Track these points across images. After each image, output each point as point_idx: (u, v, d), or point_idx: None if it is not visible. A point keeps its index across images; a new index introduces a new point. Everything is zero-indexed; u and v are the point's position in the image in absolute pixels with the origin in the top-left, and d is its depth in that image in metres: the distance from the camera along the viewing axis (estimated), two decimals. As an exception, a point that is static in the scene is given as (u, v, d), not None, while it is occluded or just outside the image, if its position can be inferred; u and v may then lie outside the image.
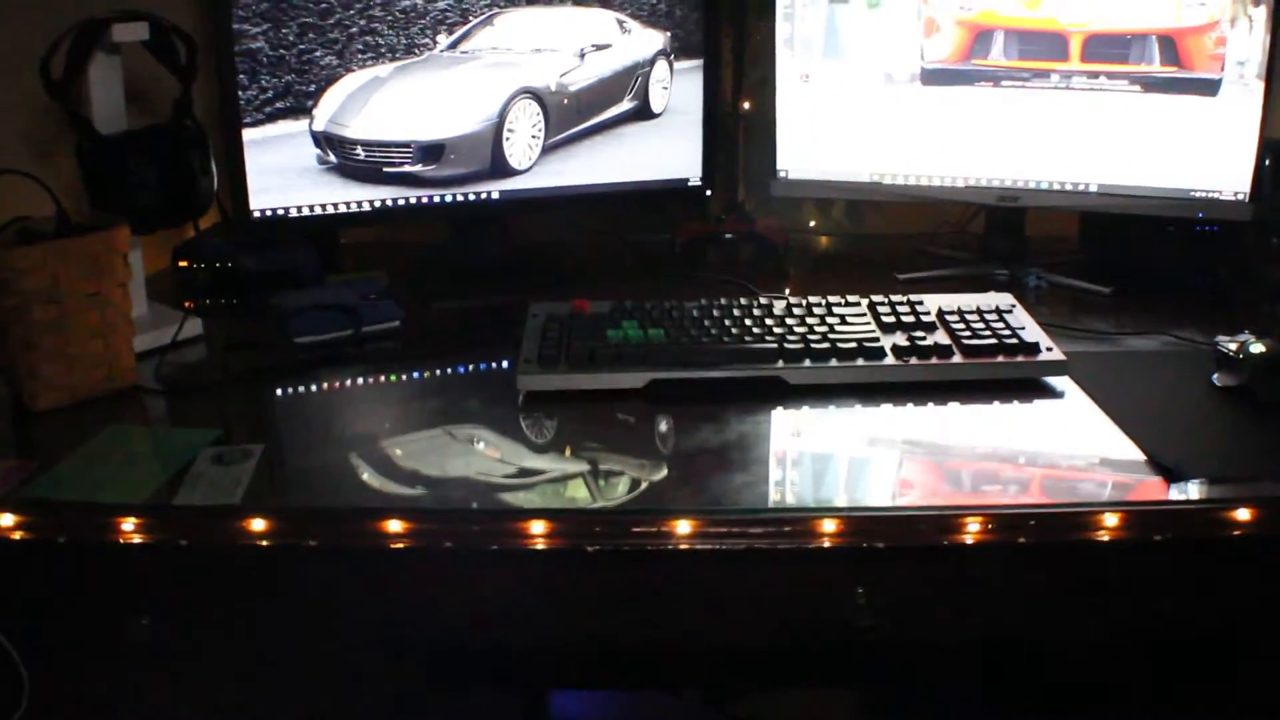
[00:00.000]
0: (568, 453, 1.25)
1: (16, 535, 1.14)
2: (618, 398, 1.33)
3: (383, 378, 1.45)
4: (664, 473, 1.20)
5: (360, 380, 1.45)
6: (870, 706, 2.01)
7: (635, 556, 1.12)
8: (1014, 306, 1.50)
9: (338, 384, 1.43)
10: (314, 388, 1.43)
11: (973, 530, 1.12)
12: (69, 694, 1.21)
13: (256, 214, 1.61)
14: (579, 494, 1.16)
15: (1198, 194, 1.68)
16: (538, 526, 1.11)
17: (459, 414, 1.33)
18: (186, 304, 1.64)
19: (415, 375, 1.46)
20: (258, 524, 1.12)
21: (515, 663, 1.53)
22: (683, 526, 1.11)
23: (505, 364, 1.43)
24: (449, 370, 1.48)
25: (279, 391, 1.43)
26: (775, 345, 1.37)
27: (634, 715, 2.11)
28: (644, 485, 1.18)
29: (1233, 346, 1.38)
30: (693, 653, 1.44)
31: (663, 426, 1.29)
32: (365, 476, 1.19)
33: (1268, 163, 1.65)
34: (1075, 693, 1.44)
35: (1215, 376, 1.38)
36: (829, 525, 1.11)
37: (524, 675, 1.64)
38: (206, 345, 1.54)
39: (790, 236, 1.85)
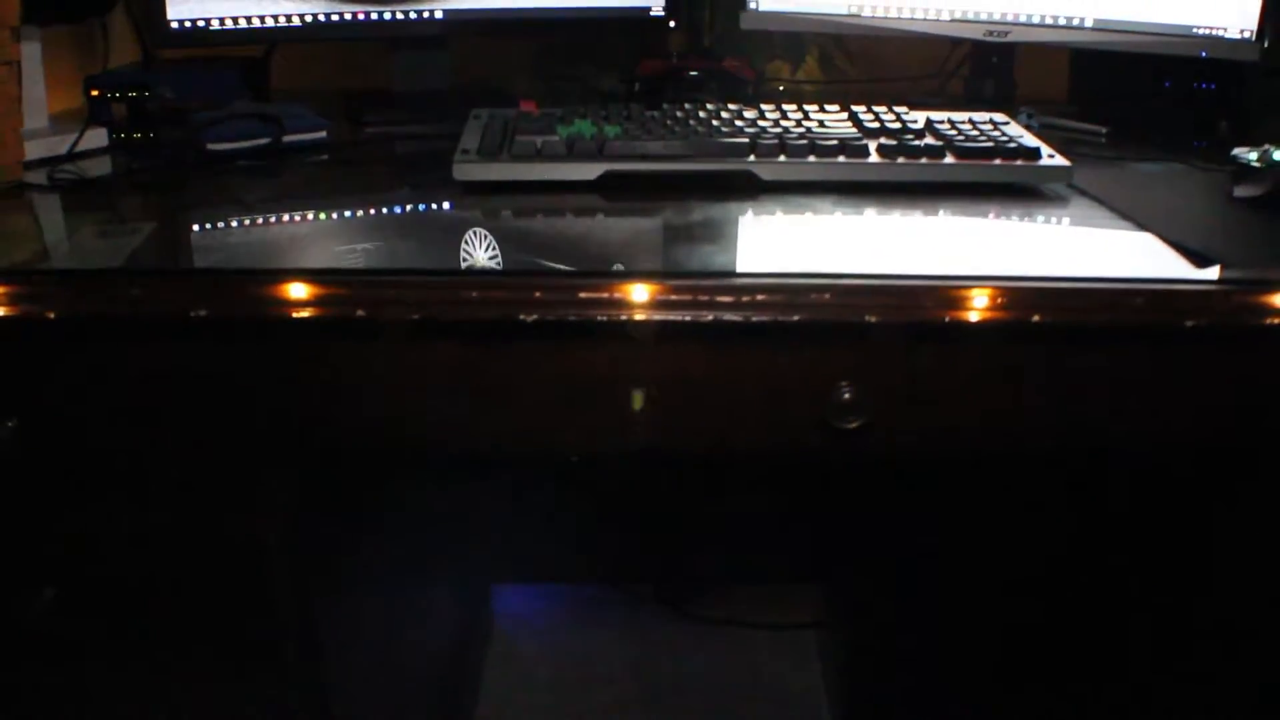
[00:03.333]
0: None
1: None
2: (567, 190, 1.12)
3: (302, 184, 1.23)
4: (616, 254, 0.99)
5: (275, 185, 1.22)
6: (834, 603, 1.82)
7: (581, 330, 0.91)
8: (1009, 121, 1.30)
9: (251, 187, 1.21)
10: (225, 192, 1.20)
11: (979, 305, 0.91)
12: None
13: (174, 24, 1.38)
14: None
15: (1199, 31, 1.48)
16: (469, 293, 0.89)
17: (391, 216, 1.11)
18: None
19: (340, 184, 1.24)
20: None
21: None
22: (639, 292, 0.89)
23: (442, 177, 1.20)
24: (377, 181, 1.26)
25: (182, 193, 1.20)
26: (747, 141, 1.16)
27: (580, 613, 1.91)
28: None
29: (1253, 155, 1.18)
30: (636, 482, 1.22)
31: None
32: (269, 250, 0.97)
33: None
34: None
35: (1235, 189, 1.19)
36: (818, 295, 0.90)
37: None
38: (111, 161, 1.31)
39: (758, 73, 1.64)
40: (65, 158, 1.27)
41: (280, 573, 1.00)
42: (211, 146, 1.27)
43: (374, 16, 1.46)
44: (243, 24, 1.42)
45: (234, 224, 1.07)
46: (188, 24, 1.40)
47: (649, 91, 1.56)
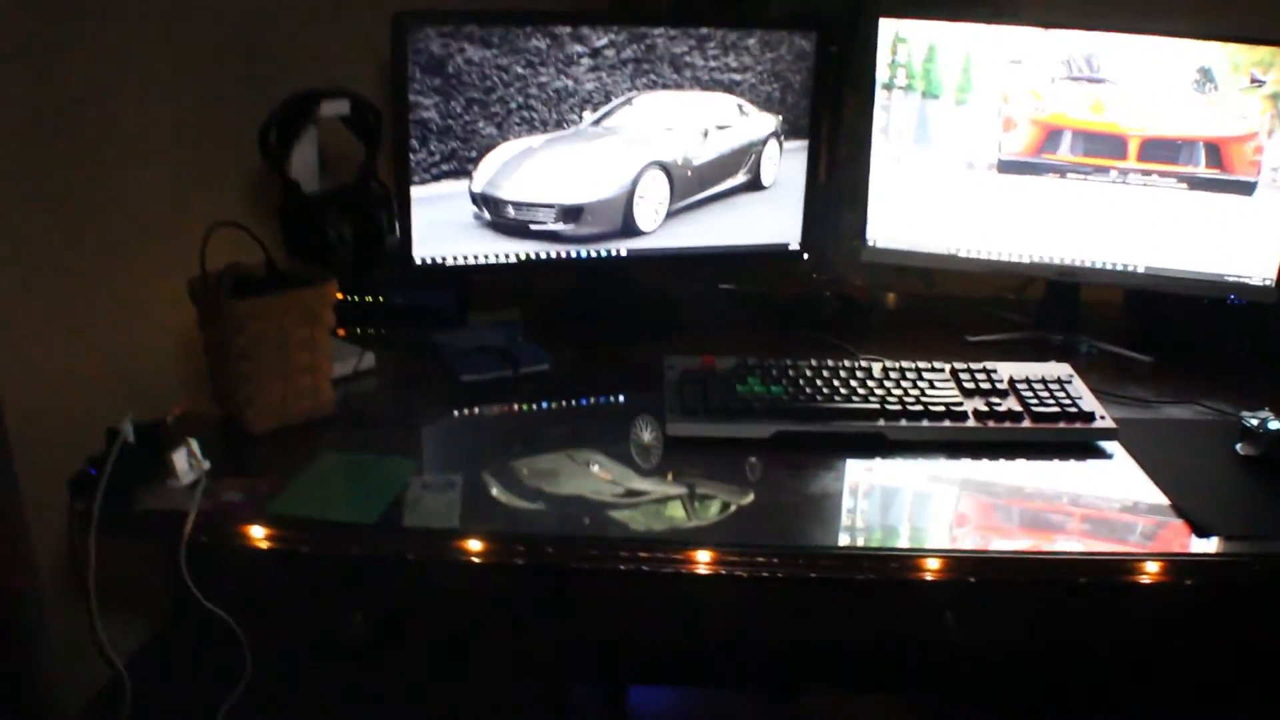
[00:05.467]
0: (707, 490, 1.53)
1: (264, 545, 1.42)
2: (747, 444, 1.62)
3: (540, 410, 1.74)
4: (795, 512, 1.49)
5: (520, 412, 1.73)
6: (916, 710, 2.30)
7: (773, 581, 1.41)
8: (1072, 377, 1.79)
9: (505, 417, 1.71)
10: (486, 420, 1.70)
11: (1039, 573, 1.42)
12: (284, 680, 1.49)
13: (419, 261, 1.89)
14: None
15: (1230, 278, 1.97)
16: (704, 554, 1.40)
17: (617, 452, 1.61)
18: (340, 332, 1.88)
19: (569, 413, 1.75)
20: (474, 544, 1.40)
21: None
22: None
23: (646, 406, 1.71)
24: (599, 411, 1.76)
25: (456, 420, 1.71)
26: (878, 405, 1.66)
27: (704, 710, 2.39)
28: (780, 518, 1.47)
29: (1254, 421, 1.67)
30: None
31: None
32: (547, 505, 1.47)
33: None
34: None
35: (1238, 445, 1.68)
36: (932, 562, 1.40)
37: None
38: (377, 376, 1.81)
39: (873, 295, 2.14)
40: (350, 378, 1.77)
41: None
42: (464, 378, 1.78)
43: (572, 254, 1.96)
44: (470, 260, 1.93)
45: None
46: (429, 260, 1.91)
47: (787, 308, 2.06)
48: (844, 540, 1.45)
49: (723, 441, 1.63)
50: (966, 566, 1.41)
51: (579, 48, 1.87)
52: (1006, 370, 1.79)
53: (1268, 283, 1.97)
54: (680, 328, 2.03)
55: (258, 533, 1.42)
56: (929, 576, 1.41)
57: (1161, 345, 2.01)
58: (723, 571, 1.40)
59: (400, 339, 1.94)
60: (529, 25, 1.85)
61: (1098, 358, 1.99)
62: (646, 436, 1.65)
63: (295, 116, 1.70)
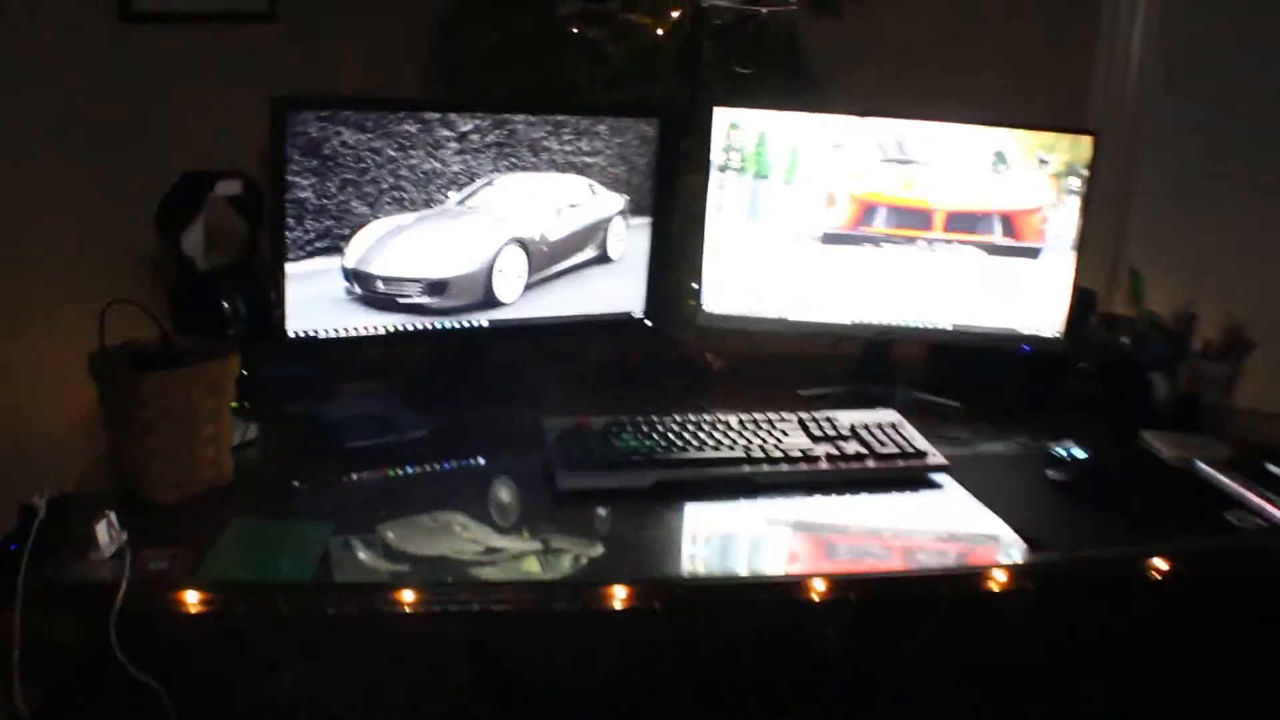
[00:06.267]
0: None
1: (197, 609, 1.50)
2: (628, 494, 1.81)
3: (428, 471, 1.88)
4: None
5: (407, 475, 1.86)
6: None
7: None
8: (902, 422, 2.05)
9: (398, 481, 1.84)
10: (378, 483, 1.83)
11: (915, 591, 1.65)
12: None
13: (291, 335, 2.00)
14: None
15: (1024, 331, 2.29)
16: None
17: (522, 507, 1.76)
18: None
19: (451, 470, 1.90)
20: (407, 595, 1.53)
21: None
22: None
23: (530, 464, 1.88)
24: (481, 467, 1.91)
25: (350, 484, 1.83)
26: (743, 454, 1.88)
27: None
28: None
29: (1062, 452, 1.97)
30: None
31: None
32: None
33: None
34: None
35: (1049, 472, 1.97)
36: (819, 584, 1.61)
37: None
38: (261, 446, 1.91)
39: (708, 357, 2.37)
40: (237, 447, 1.86)
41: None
42: (350, 445, 1.90)
43: (437, 326, 2.12)
44: (341, 333, 2.05)
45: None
46: (302, 334, 2.02)
47: (632, 370, 2.27)
48: (735, 570, 1.65)
49: (606, 492, 1.80)
50: (845, 587, 1.63)
51: (446, 132, 2.04)
52: (845, 418, 2.04)
53: (1056, 334, 2.30)
54: (537, 393, 2.20)
55: (191, 598, 1.50)
56: (815, 597, 1.61)
57: (967, 392, 2.31)
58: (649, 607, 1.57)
59: (271, 410, 2.03)
60: (401, 111, 2.01)
61: (914, 405, 2.26)
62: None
63: (190, 196, 1.81)
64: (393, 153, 2.01)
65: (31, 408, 1.92)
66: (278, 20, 2.38)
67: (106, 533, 1.56)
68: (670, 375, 2.30)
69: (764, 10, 2.23)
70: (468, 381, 2.20)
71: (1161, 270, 2.46)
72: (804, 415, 2.04)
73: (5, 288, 1.86)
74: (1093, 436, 2.05)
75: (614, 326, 2.30)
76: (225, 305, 1.82)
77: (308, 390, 2.09)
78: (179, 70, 2.18)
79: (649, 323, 2.31)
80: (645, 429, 1.94)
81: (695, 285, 2.28)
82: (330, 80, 2.33)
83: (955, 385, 2.33)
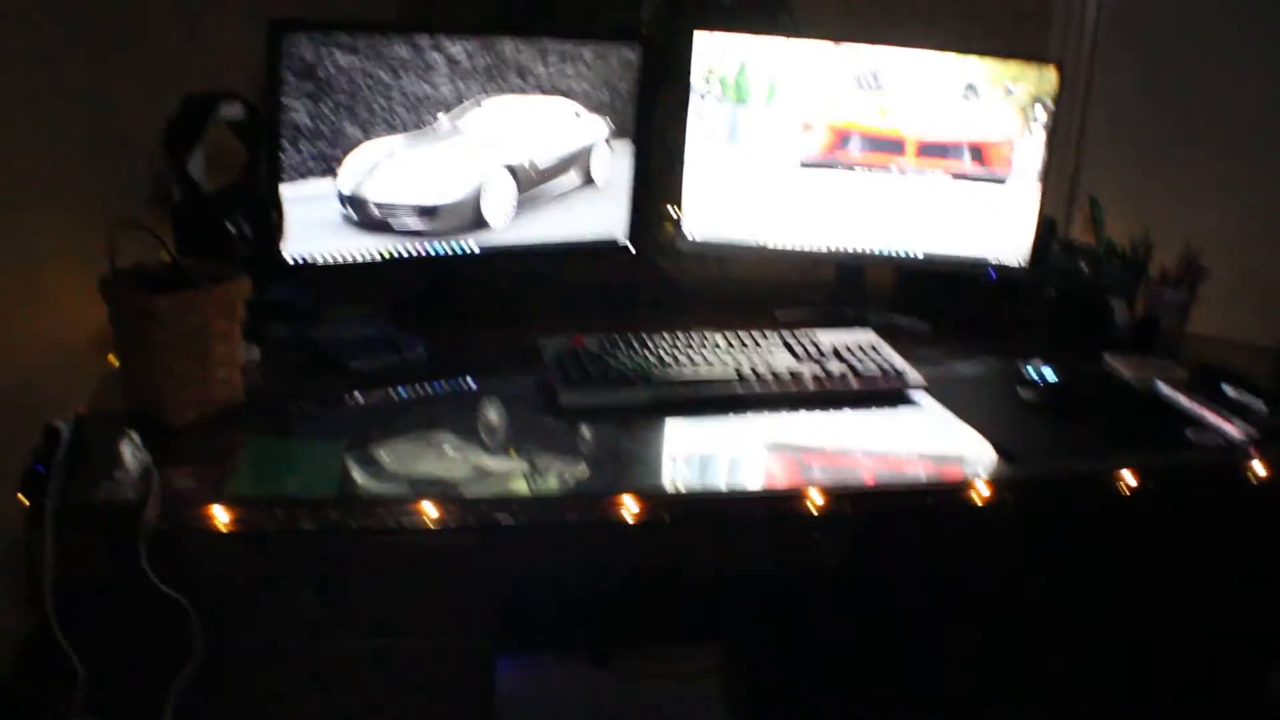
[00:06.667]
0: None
1: (226, 528, 1.56)
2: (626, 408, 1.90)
3: (431, 391, 1.95)
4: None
5: (402, 397, 1.93)
6: (735, 656, 2.62)
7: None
8: (880, 342, 2.15)
9: (396, 401, 1.91)
10: (385, 402, 1.90)
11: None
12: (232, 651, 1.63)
13: (290, 260, 2.05)
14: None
15: (991, 257, 2.40)
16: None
17: (522, 424, 1.84)
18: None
19: (443, 391, 1.97)
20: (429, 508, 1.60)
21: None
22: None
23: (530, 381, 1.96)
24: (481, 386, 1.98)
25: (359, 403, 1.89)
26: (733, 371, 1.97)
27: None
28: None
29: (1032, 373, 2.09)
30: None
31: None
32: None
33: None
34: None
35: (1020, 390, 2.08)
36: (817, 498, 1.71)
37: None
38: (263, 367, 1.95)
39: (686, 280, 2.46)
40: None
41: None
42: (354, 365, 1.96)
43: (429, 250, 2.17)
44: (337, 258, 2.10)
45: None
46: (298, 259, 2.07)
47: (617, 291, 2.35)
48: (725, 484, 1.74)
49: (606, 409, 1.89)
50: (840, 498, 1.73)
51: (436, 55, 2.08)
52: (826, 338, 2.14)
53: (1021, 261, 2.41)
54: (525, 315, 2.27)
55: (221, 515, 1.56)
56: (812, 509, 1.71)
57: (935, 314, 2.42)
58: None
59: (265, 333, 2.07)
60: (393, 34, 2.04)
61: (886, 326, 2.36)
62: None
63: (194, 118, 1.83)
64: (385, 75, 2.05)
65: (40, 333, 1.94)
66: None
67: (130, 453, 1.60)
68: (653, 297, 2.38)
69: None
70: (457, 304, 2.25)
71: (1119, 200, 2.58)
72: (786, 334, 2.13)
73: (9, 217, 1.88)
74: (1057, 358, 2.16)
75: (598, 251, 2.37)
76: (230, 228, 1.85)
77: (300, 313, 2.14)
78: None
79: (632, 248, 2.38)
80: (638, 347, 2.01)
81: (675, 210, 2.35)
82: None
83: (924, 308, 2.43)
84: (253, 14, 1.98)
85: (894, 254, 2.41)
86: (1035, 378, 2.09)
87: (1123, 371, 2.24)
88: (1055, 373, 2.09)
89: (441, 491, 1.62)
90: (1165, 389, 2.14)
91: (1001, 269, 2.43)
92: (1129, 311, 2.46)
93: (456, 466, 1.69)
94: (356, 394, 1.92)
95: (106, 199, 1.98)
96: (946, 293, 2.47)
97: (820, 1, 2.51)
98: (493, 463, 1.71)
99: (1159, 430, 2.02)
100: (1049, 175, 2.38)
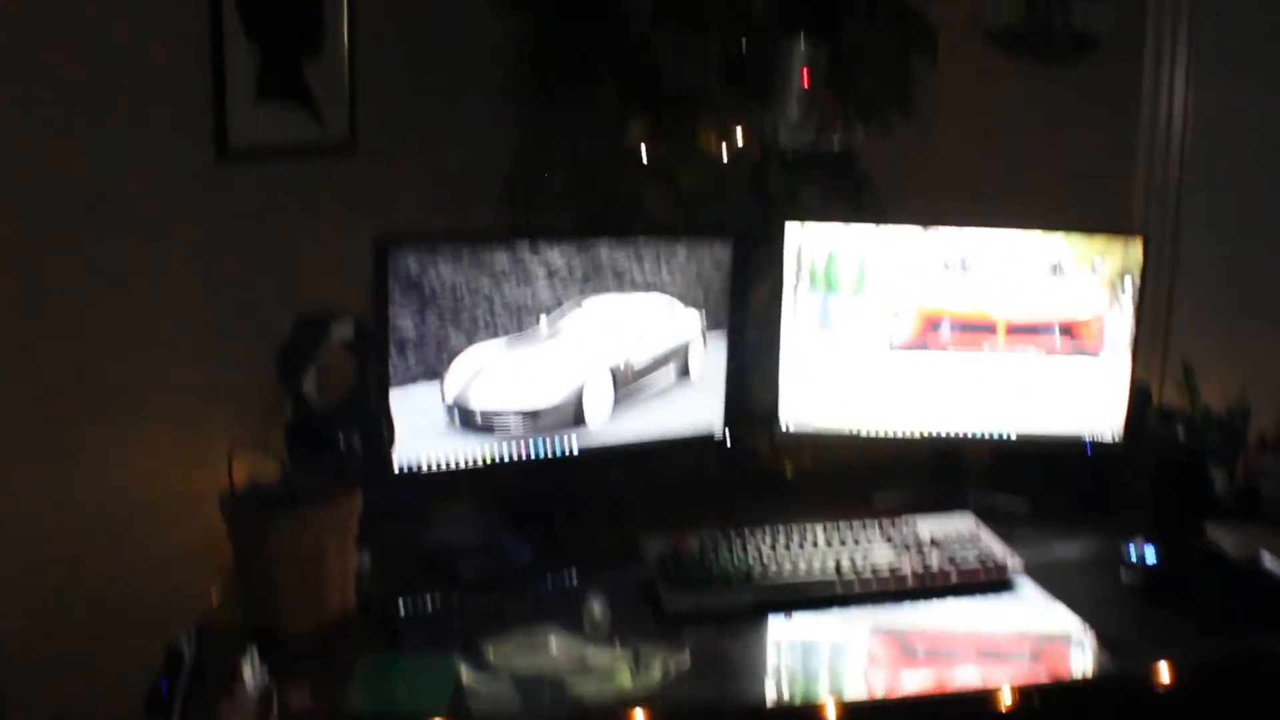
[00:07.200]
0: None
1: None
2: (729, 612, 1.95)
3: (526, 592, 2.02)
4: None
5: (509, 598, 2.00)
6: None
7: None
8: (979, 526, 2.19)
9: (503, 602, 1.97)
10: (491, 605, 1.96)
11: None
12: None
13: (398, 468, 2.14)
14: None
15: (1086, 432, 2.43)
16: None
17: (632, 629, 1.88)
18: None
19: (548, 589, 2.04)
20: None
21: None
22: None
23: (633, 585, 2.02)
24: (585, 584, 2.03)
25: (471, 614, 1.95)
26: (834, 570, 2.02)
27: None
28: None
29: (1133, 551, 2.10)
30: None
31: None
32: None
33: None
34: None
35: (1122, 573, 2.10)
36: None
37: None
38: (375, 575, 2.02)
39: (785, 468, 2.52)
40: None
41: None
42: (464, 576, 2.03)
43: (531, 452, 2.26)
44: (444, 463, 2.19)
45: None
46: (408, 466, 2.16)
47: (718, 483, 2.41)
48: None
49: (709, 613, 1.93)
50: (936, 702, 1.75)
51: (535, 261, 2.19)
52: (925, 527, 2.18)
53: (1115, 433, 2.44)
54: (627, 510, 2.34)
55: (337, 734, 1.63)
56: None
57: (1033, 491, 2.44)
58: None
59: (378, 537, 2.16)
60: (494, 244, 2.15)
61: (984, 507, 2.38)
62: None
63: (306, 340, 1.95)
64: (486, 284, 2.15)
65: (158, 546, 2.04)
66: (359, 150, 2.53)
67: (250, 673, 1.67)
68: (751, 487, 2.44)
69: (835, 148, 2.38)
70: (561, 502, 2.33)
71: (1213, 363, 2.60)
72: (886, 524, 2.18)
73: (129, 431, 2.00)
74: (1158, 533, 2.17)
75: (696, 442, 2.44)
76: (343, 444, 1.95)
77: (408, 515, 2.22)
78: (274, 206, 2.33)
79: (729, 437, 2.44)
80: (739, 546, 2.07)
81: (772, 399, 2.42)
82: (409, 207, 2.50)
83: (1021, 484, 2.46)
84: (360, 229, 2.10)
85: (988, 434, 2.45)
86: (1136, 559, 2.10)
87: (1226, 543, 2.23)
88: (1156, 552, 2.09)
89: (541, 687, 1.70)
90: (1270, 561, 2.14)
91: (1097, 443, 2.45)
92: (1228, 479, 2.46)
93: (562, 663, 1.76)
94: (465, 599, 1.99)
95: (223, 417, 2.10)
96: (1044, 468, 2.49)
97: (906, 185, 2.59)
98: (597, 658, 1.77)
99: (1266, 609, 2.02)
100: (1139, 346, 2.41)
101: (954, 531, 2.18)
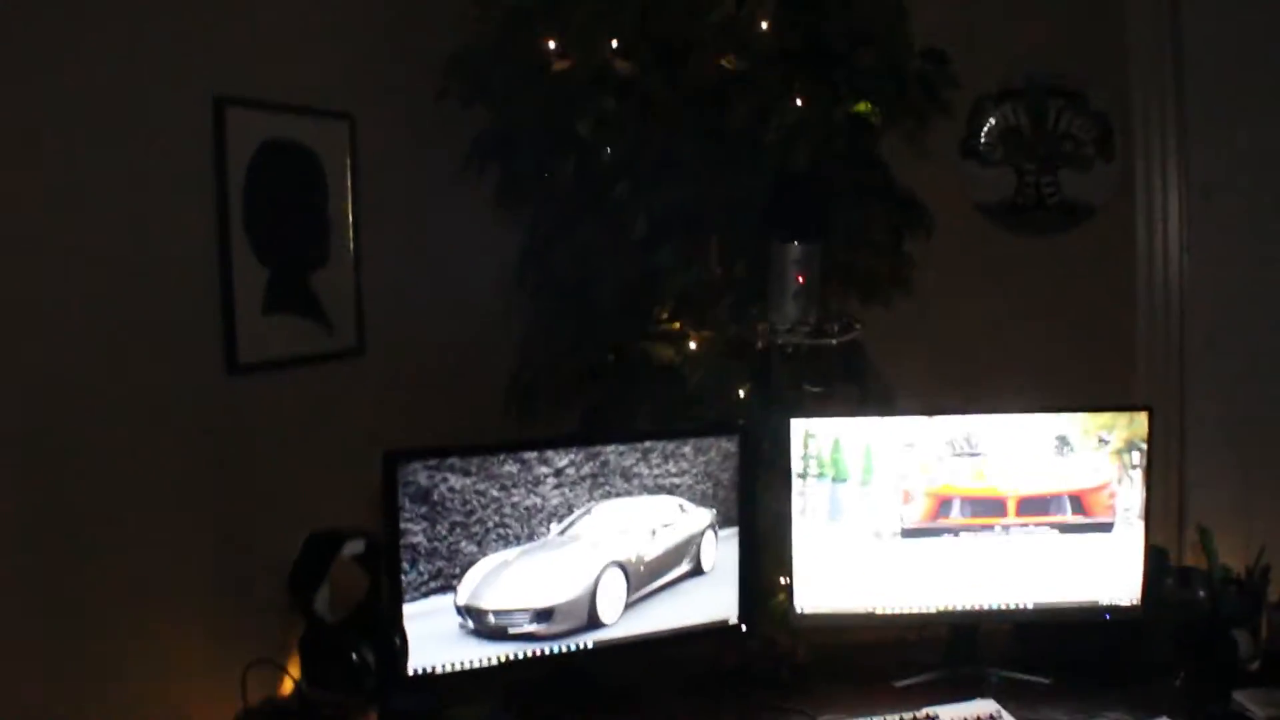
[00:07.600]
0: None
1: None
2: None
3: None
4: None
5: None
6: None
7: None
8: (1001, 713, 2.17)
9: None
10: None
11: None
12: None
13: (412, 673, 2.14)
14: None
15: (1104, 601, 2.42)
16: None
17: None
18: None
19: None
20: None
21: None
22: None
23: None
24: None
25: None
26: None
27: None
28: None
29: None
30: None
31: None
32: None
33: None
34: None
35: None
36: None
37: None
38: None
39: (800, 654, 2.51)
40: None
41: None
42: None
43: (545, 651, 2.26)
44: (458, 667, 2.20)
45: None
46: (420, 670, 2.16)
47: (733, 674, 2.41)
48: None
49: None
50: None
51: (544, 469, 2.22)
52: (947, 716, 2.16)
53: (1134, 600, 2.43)
54: (643, 706, 2.33)
55: None
56: None
57: (1054, 664, 2.42)
58: None
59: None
60: (502, 453, 2.19)
61: (1005, 685, 2.37)
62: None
63: (318, 558, 1.98)
64: (496, 493, 2.19)
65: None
66: (368, 355, 2.59)
67: None
68: (769, 674, 2.43)
69: (834, 342, 2.44)
70: (575, 697, 2.33)
71: (1227, 520, 2.60)
72: (906, 717, 2.16)
73: (146, 646, 2.02)
74: (1185, 702, 2.15)
75: (711, 633, 2.44)
76: (355, 659, 1.96)
77: (426, 717, 2.22)
78: (284, 418, 2.37)
79: (744, 627, 2.45)
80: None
81: (785, 586, 2.43)
82: (417, 412, 2.55)
83: (1042, 657, 2.45)
84: (370, 435, 2.14)
85: (1005, 607, 2.45)
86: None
87: (1254, 712, 2.21)
88: (1185, 731, 2.08)
89: None
90: (1302, 731, 2.12)
91: (1115, 609, 2.44)
92: (1252, 642, 2.44)
93: None
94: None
95: (237, 634, 2.12)
96: (1064, 638, 2.48)
97: (908, 361, 2.64)
98: None
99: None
100: (1152, 512, 2.42)
101: (976, 718, 2.17)
